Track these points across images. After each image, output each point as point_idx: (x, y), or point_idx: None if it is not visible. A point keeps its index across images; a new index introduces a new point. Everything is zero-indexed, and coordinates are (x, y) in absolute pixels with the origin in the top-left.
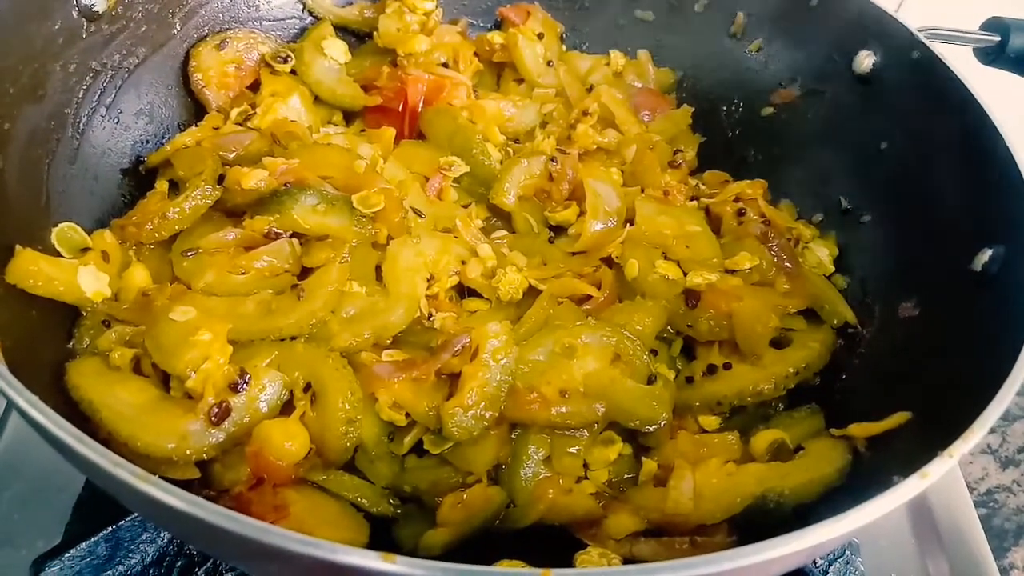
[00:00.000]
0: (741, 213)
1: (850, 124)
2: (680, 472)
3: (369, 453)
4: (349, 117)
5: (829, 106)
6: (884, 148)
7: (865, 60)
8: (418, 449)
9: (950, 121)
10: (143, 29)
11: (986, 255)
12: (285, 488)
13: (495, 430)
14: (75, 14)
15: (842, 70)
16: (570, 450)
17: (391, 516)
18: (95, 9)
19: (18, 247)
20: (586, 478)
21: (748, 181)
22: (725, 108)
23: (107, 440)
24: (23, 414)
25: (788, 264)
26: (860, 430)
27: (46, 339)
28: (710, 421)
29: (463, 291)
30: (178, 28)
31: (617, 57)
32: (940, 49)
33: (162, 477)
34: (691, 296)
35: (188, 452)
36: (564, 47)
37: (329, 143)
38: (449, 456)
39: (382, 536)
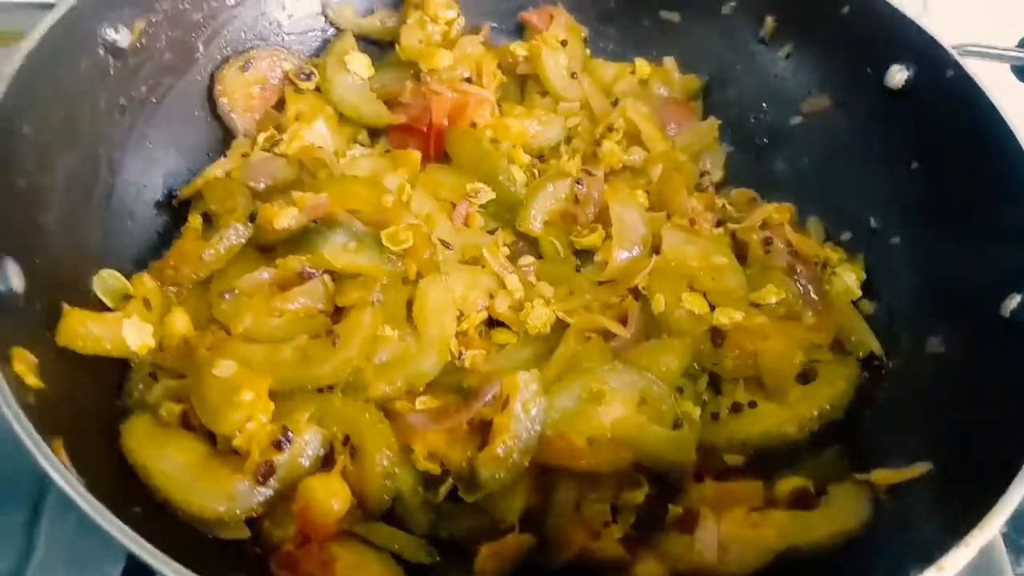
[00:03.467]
0: (768, 242)
1: (881, 139)
2: (705, 523)
3: (407, 503)
4: (374, 132)
5: (860, 119)
6: (915, 167)
7: (898, 74)
8: (453, 494)
9: (983, 149)
10: (167, 57)
11: (1015, 301)
12: (330, 543)
13: (525, 477)
14: (102, 52)
15: (874, 83)
16: (598, 495)
17: (429, 565)
18: (120, 45)
19: (65, 306)
20: (615, 521)
21: (775, 205)
22: (753, 117)
23: (164, 503)
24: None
25: (815, 296)
26: (882, 478)
27: (98, 398)
28: (735, 458)
29: (491, 321)
30: (201, 51)
31: (643, 65)
32: (976, 66)
33: (215, 538)
34: (717, 335)
35: (238, 511)
36: (588, 50)
37: (355, 176)
38: (483, 503)
39: None
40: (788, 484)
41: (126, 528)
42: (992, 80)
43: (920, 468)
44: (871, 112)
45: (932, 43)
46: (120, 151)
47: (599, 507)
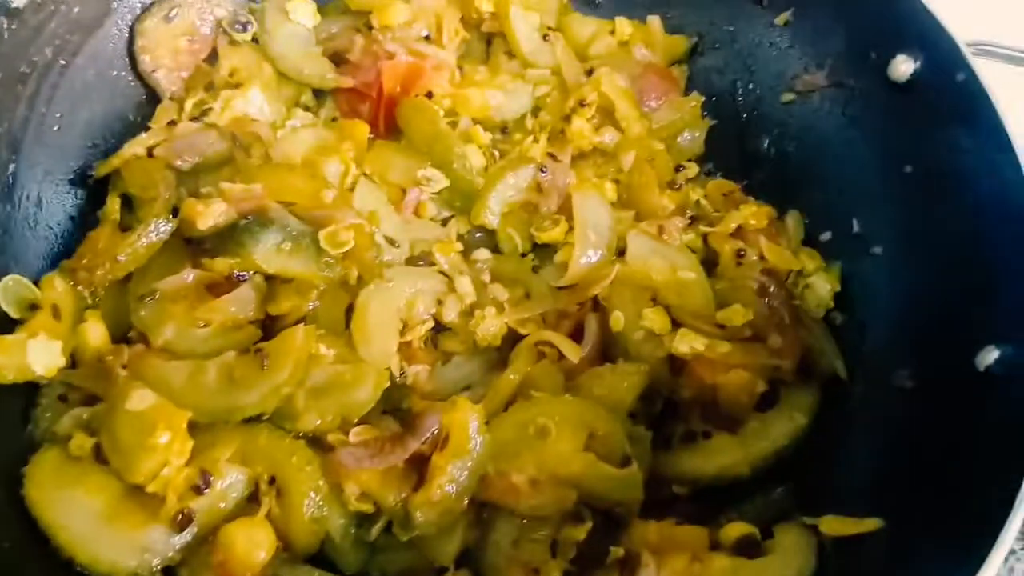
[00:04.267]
0: (740, 254)
1: (876, 134)
2: (645, 570)
3: (336, 542)
4: (320, 91)
5: (855, 107)
6: (908, 172)
7: (902, 65)
8: (387, 526)
9: (981, 173)
10: (76, 11)
11: (991, 356)
12: None
13: (463, 516)
14: None
15: (877, 69)
16: (539, 534)
17: None
18: (13, 3)
19: None
20: (553, 557)
21: (753, 207)
22: (741, 86)
23: (70, 562)
24: None
25: (784, 319)
26: (830, 527)
27: (0, 431)
28: (682, 488)
29: (439, 325)
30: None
31: (623, 25)
32: (990, 69)
33: None
34: (676, 362)
35: (154, 564)
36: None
37: (292, 165)
38: (417, 542)
39: None
40: (734, 530)
41: None
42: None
43: (871, 523)
44: (868, 102)
45: (946, 39)
46: (23, 128)
47: (538, 545)
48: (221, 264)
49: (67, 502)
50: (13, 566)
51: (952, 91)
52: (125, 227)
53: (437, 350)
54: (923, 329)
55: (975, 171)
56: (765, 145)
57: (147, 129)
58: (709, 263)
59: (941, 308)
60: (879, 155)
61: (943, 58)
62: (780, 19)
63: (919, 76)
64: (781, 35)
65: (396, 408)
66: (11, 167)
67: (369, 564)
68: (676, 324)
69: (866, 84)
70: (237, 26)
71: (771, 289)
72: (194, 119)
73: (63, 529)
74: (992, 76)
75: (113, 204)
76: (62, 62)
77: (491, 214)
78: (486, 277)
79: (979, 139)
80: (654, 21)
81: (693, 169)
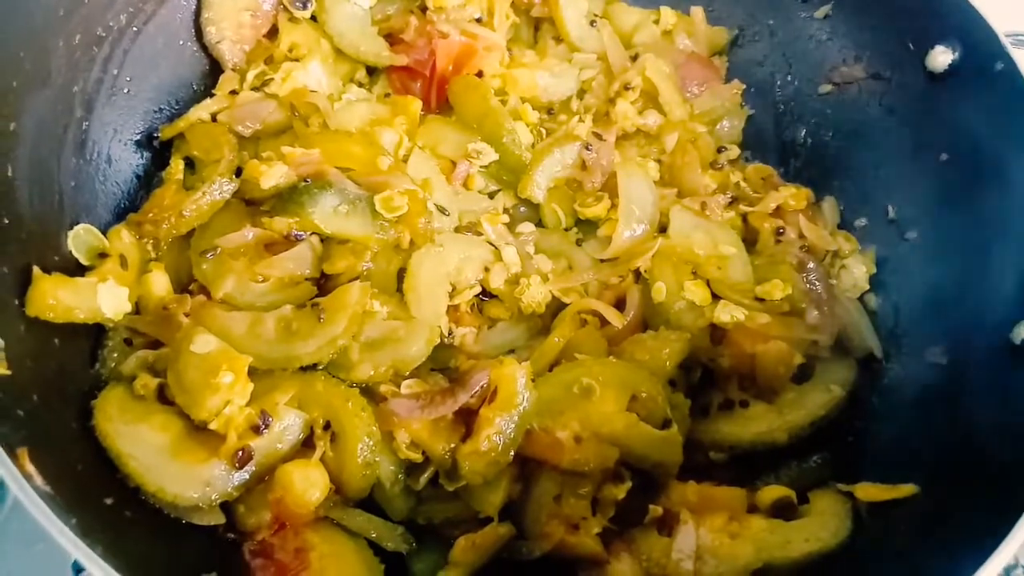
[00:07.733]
0: (780, 232)
1: (912, 123)
2: (684, 528)
3: (386, 490)
4: (374, 68)
5: (893, 97)
6: (944, 160)
7: (940, 56)
8: (433, 478)
9: (1019, 162)
10: None
11: None
12: (306, 529)
13: (507, 469)
14: None
15: (914, 61)
16: (580, 491)
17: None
18: None
19: (36, 272)
20: (594, 514)
21: (792, 189)
22: (779, 78)
23: (137, 489)
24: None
25: (822, 294)
26: (865, 493)
27: (71, 366)
28: (719, 455)
29: (484, 290)
30: None
31: (667, 15)
32: None
33: (189, 524)
34: (716, 332)
35: (213, 497)
36: None
37: (350, 133)
38: (463, 493)
39: (398, 569)
40: (771, 493)
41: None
42: None
43: (905, 489)
44: (906, 92)
45: (984, 29)
46: (96, 88)
47: (579, 501)
48: (280, 223)
49: (134, 435)
50: (86, 486)
51: (990, 81)
52: (187, 188)
53: (483, 316)
54: (957, 309)
55: (1011, 158)
56: (802, 135)
57: (211, 96)
58: (748, 242)
59: (974, 289)
60: (915, 144)
61: (981, 48)
62: (819, 12)
63: (957, 66)
64: (820, 28)
65: (444, 367)
66: (84, 124)
67: (415, 512)
68: (716, 297)
69: (904, 75)
70: (297, 3)
71: (809, 265)
72: (255, 89)
73: (131, 458)
74: None
75: (176, 165)
76: (135, 28)
77: (538, 188)
78: (530, 249)
79: (1016, 127)
80: (697, 12)
81: (735, 150)
